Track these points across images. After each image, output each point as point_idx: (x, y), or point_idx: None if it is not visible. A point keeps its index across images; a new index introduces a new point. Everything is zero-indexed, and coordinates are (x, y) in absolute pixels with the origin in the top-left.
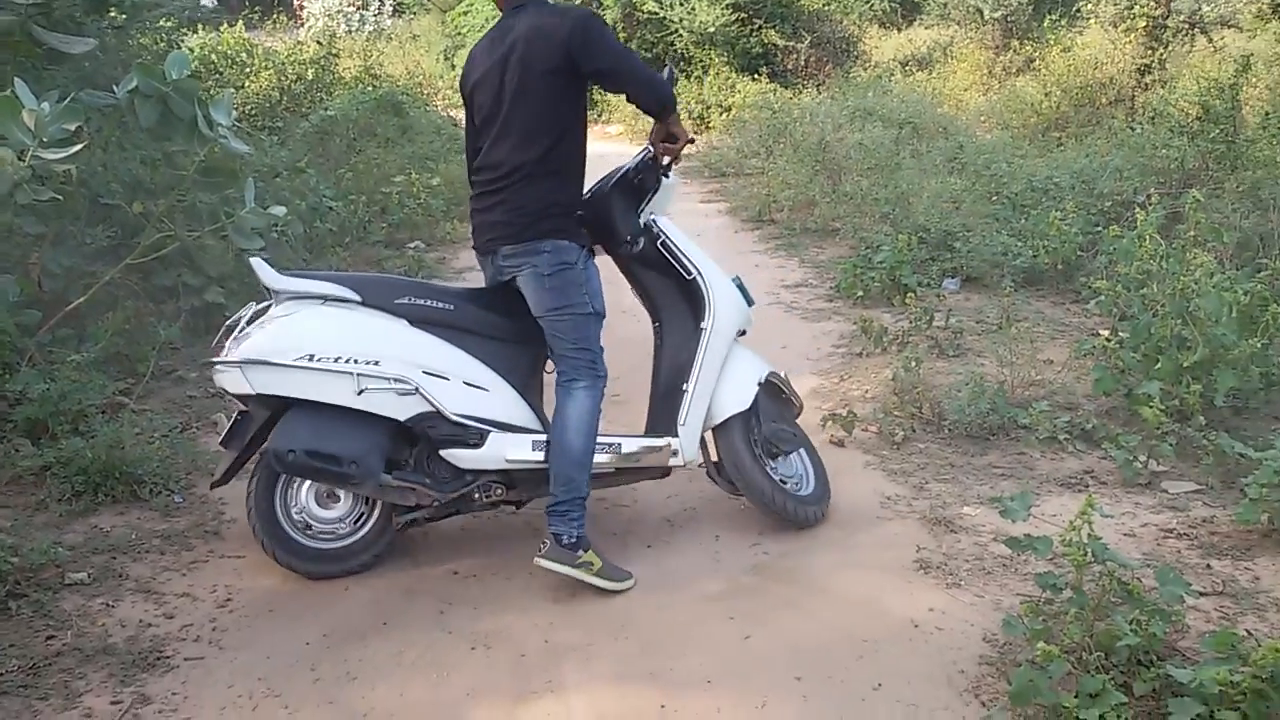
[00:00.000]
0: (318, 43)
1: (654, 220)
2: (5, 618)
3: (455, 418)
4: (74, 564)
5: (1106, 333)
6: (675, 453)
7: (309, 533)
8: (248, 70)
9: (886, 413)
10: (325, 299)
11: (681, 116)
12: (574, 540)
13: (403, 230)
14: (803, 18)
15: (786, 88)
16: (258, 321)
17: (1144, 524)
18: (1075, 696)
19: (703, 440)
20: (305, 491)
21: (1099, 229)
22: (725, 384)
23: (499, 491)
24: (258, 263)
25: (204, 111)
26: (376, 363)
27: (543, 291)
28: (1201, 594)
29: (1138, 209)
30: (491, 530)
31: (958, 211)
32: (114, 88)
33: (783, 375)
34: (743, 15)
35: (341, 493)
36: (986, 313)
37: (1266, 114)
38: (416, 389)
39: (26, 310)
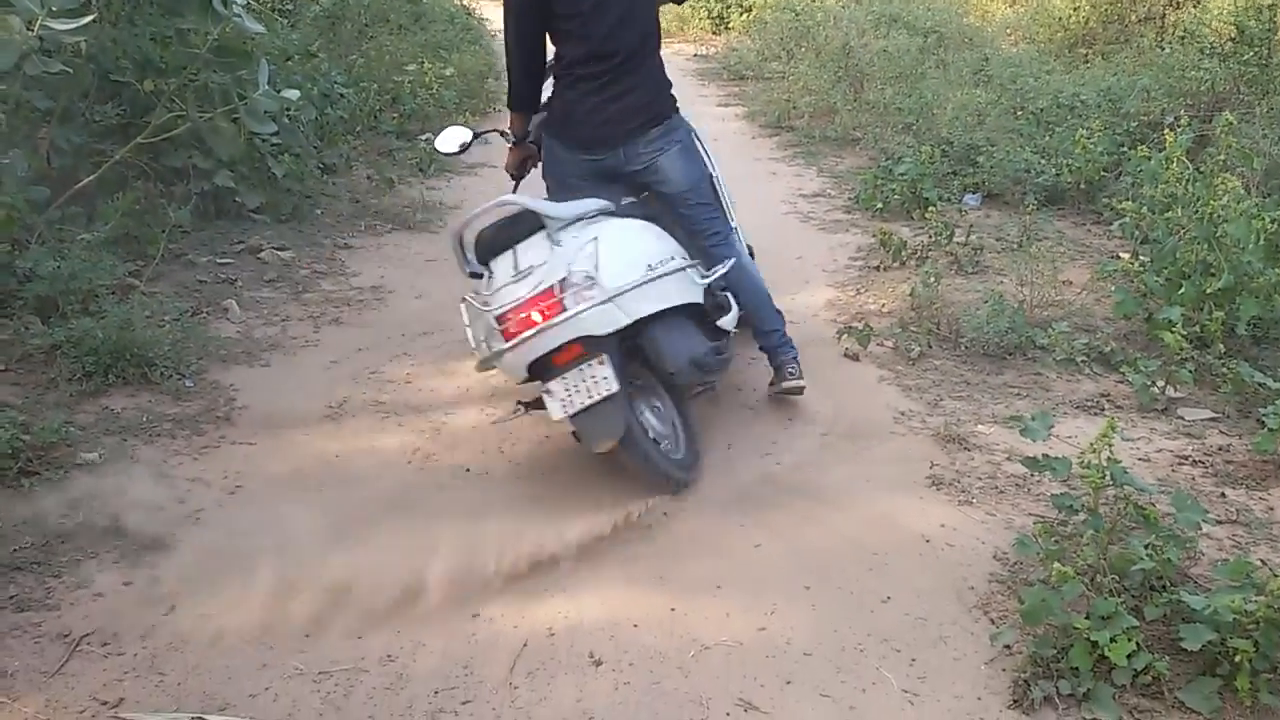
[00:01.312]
0: None
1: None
2: (19, 493)
3: (716, 288)
4: (85, 444)
5: (1128, 255)
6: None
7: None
8: None
9: (903, 328)
10: (596, 214)
11: (700, 15)
12: (792, 361)
13: (414, 121)
14: None
15: None
16: (554, 261)
17: (1159, 450)
18: (1087, 618)
19: None
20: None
21: (1124, 150)
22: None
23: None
24: (527, 199)
25: None
26: (672, 258)
27: (690, 164)
28: (1216, 522)
29: (1166, 130)
30: (501, 435)
31: (981, 125)
32: None
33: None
34: None
35: (660, 404)
36: (1007, 230)
37: None
38: (688, 270)
39: (35, 186)
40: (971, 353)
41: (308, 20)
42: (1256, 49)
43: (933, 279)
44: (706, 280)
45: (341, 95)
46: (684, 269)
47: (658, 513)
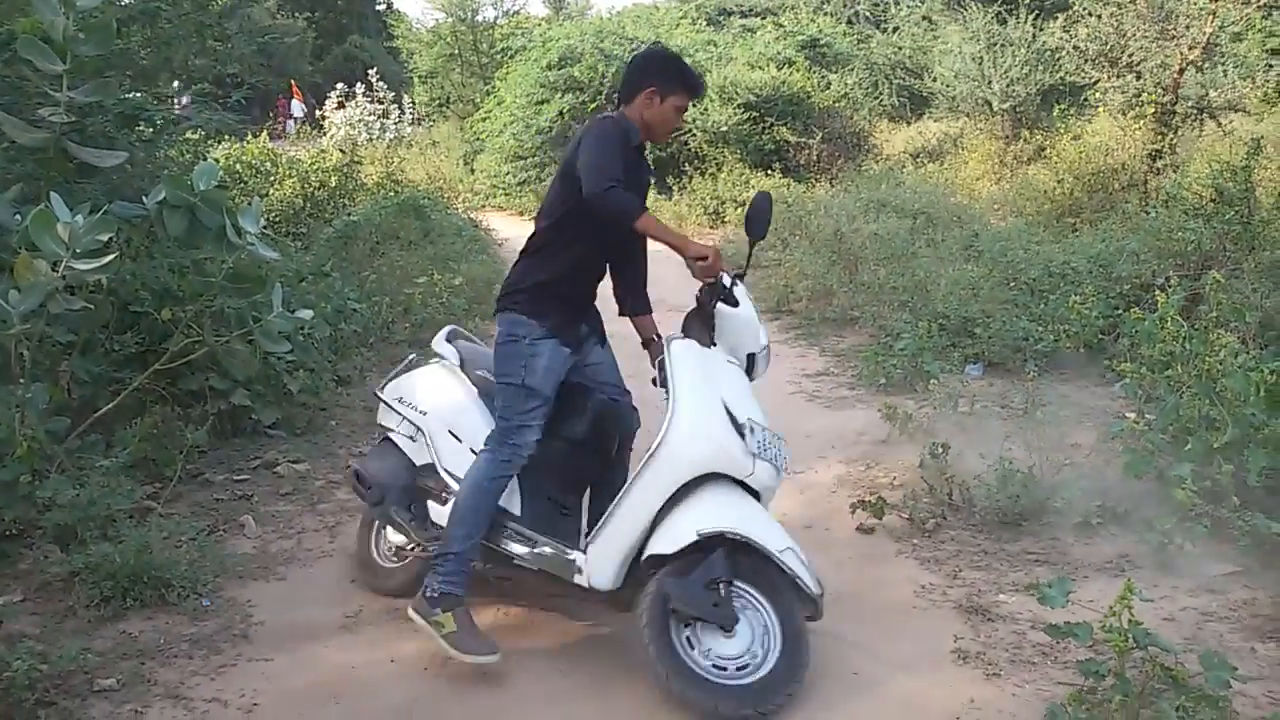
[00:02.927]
0: (340, 151)
1: (667, 340)
2: None
3: (443, 472)
4: (102, 670)
5: (1133, 415)
6: (580, 570)
7: (387, 556)
8: (271, 179)
9: (915, 499)
10: (444, 359)
11: (697, 212)
12: (435, 595)
13: (426, 329)
14: (813, 114)
15: (800, 182)
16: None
17: (1183, 608)
18: None
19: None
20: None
21: (1119, 312)
22: (668, 520)
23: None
24: (442, 331)
25: (232, 220)
26: (425, 413)
27: (496, 359)
28: (1248, 679)
29: (1157, 291)
30: (517, 633)
31: (976, 298)
32: (143, 199)
33: (790, 555)
34: (754, 114)
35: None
36: (1011, 397)
37: None
38: (426, 440)
39: (56, 417)
40: (986, 521)
41: (320, 242)
42: (1237, 208)
43: (940, 450)
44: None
45: (354, 310)
46: (417, 430)
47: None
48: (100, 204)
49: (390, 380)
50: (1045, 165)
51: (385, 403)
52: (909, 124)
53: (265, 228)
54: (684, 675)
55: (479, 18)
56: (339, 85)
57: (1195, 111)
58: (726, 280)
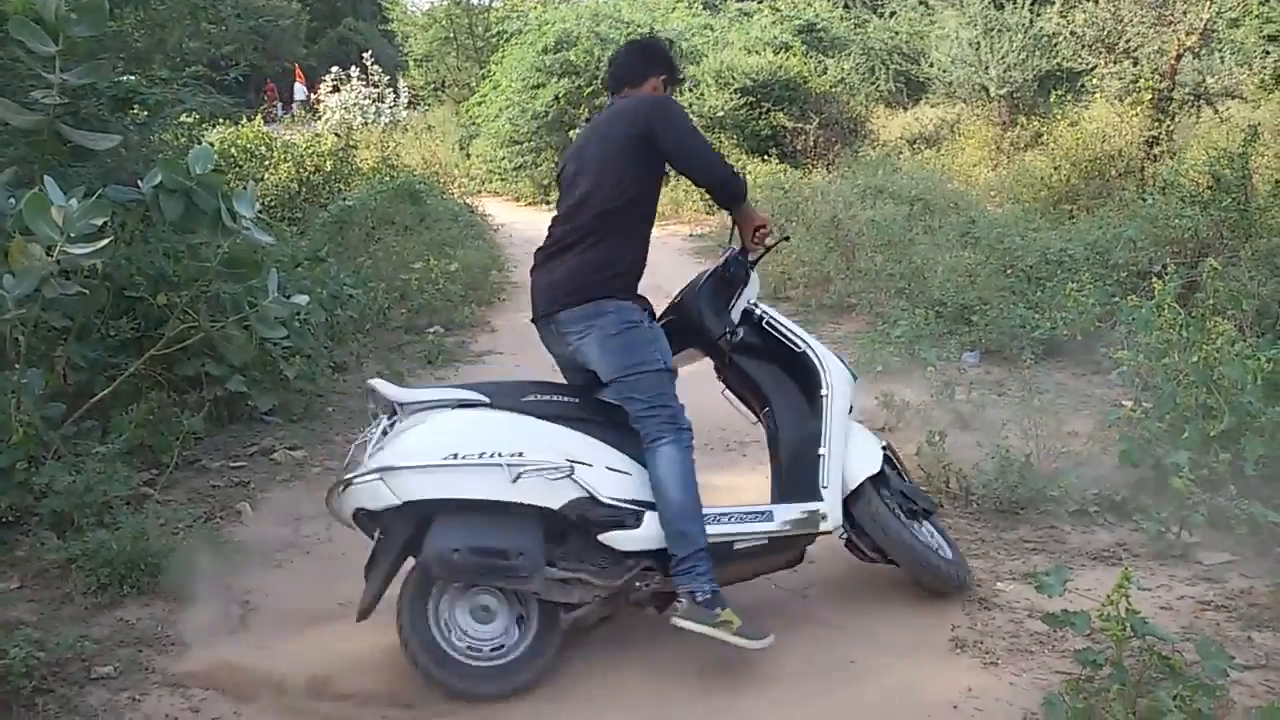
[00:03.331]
0: (335, 135)
1: (754, 304)
2: (32, 714)
3: (609, 501)
4: (100, 658)
5: (1130, 403)
6: (824, 516)
7: (468, 652)
8: (267, 163)
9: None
10: (455, 404)
11: (694, 198)
12: (708, 596)
13: (422, 315)
14: (810, 100)
15: (796, 168)
16: (387, 436)
17: (1180, 596)
18: None
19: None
20: (460, 608)
21: (1116, 299)
22: (852, 451)
23: (656, 578)
24: (379, 382)
25: (227, 204)
26: (520, 454)
27: (611, 352)
28: (1245, 667)
29: (1154, 279)
30: None
31: (973, 285)
32: (138, 183)
33: (895, 450)
34: (751, 99)
35: (497, 606)
36: (1008, 385)
37: (1277, 181)
38: (569, 474)
39: (52, 403)
40: (984, 509)
41: (316, 227)
42: (1234, 195)
43: (937, 438)
44: (523, 474)
45: (350, 296)
46: (502, 466)
47: (687, 687)
48: (94, 188)
49: (360, 456)
50: (1042, 152)
51: (428, 466)
52: (906, 110)
53: (260, 212)
54: (933, 554)
55: (474, 1)
56: (334, 69)
57: (1192, 98)
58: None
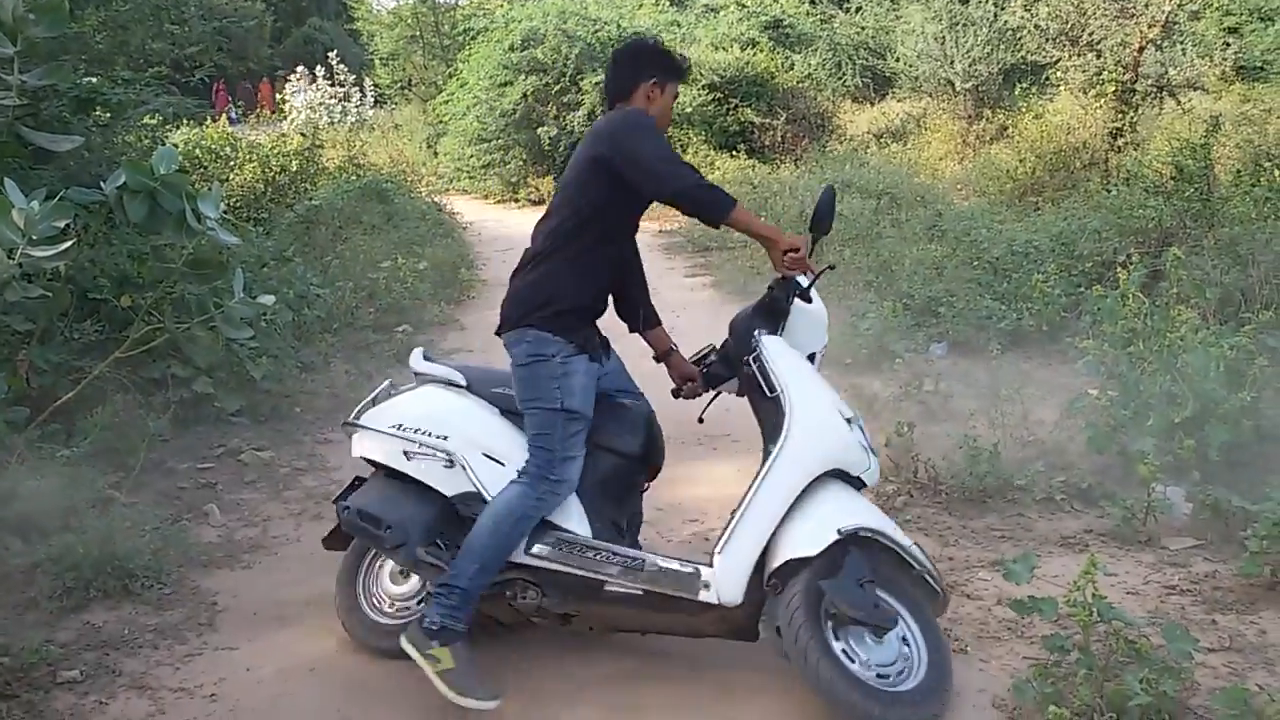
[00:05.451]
0: (301, 135)
1: (758, 336)
2: None
3: (464, 504)
4: (66, 662)
5: (1096, 391)
6: (706, 585)
7: (384, 610)
8: (232, 164)
9: (882, 478)
10: (445, 383)
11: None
12: (435, 628)
13: (391, 314)
14: (778, 95)
15: (765, 163)
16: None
17: (1146, 581)
18: None
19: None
20: (382, 568)
21: (1081, 290)
22: (795, 523)
23: (531, 595)
24: (417, 352)
25: (192, 205)
26: (445, 438)
27: (517, 381)
28: (1209, 650)
29: (1119, 269)
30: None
31: (940, 278)
32: (101, 184)
33: (917, 550)
34: (718, 95)
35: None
36: (975, 376)
37: (1238, 171)
38: (463, 466)
39: (15, 407)
40: (952, 499)
41: (282, 227)
42: (1196, 185)
43: (906, 429)
44: (419, 459)
45: (318, 295)
46: (433, 452)
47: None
48: (56, 189)
49: (368, 408)
50: (1007, 144)
51: (376, 430)
52: (873, 104)
53: (226, 213)
54: (851, 684)
55: None
56: (299, 68)
57: (1155, 90)
58: (806, 279)
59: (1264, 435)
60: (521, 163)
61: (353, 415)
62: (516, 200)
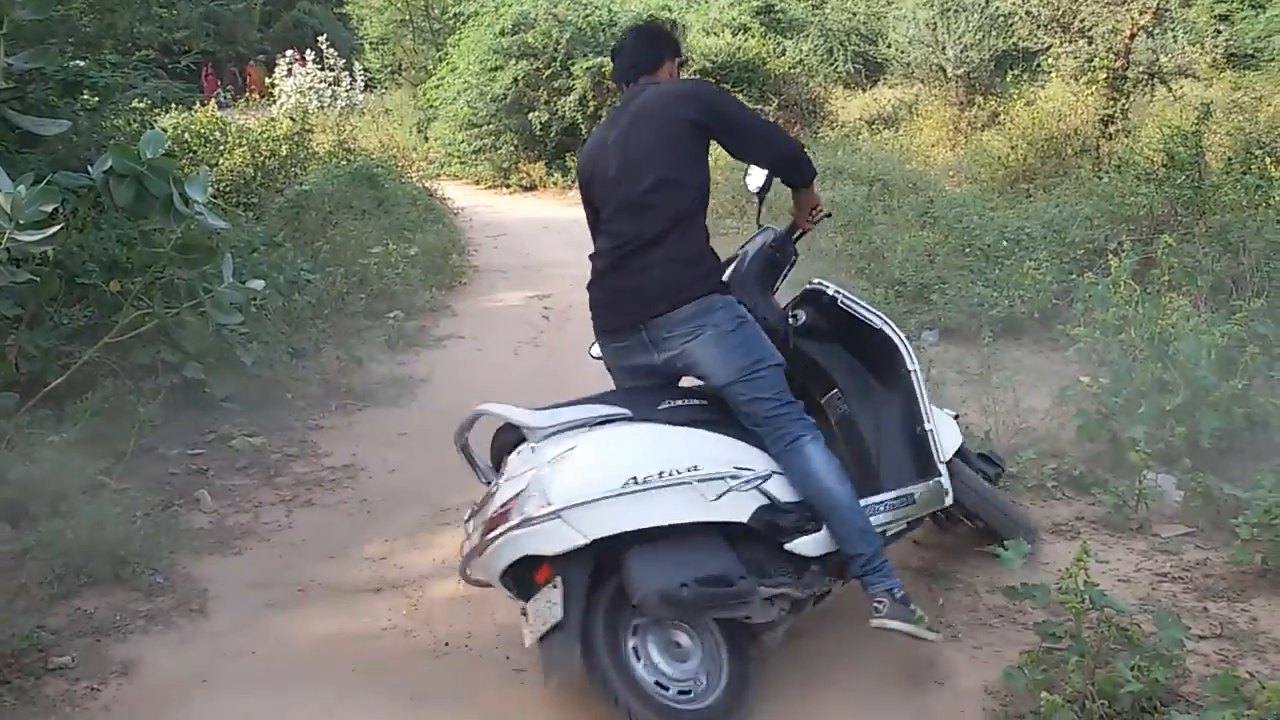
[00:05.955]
0: (290, 119)
1: (823, 284)
2: None
3: (788, 505)
4: (57, 648)
5: (1087, 379)
6: (947, 491)
7: (669, 694)
8: (221, 148)
9: None
10: (598, 422)
11: None
12: (904, 593)
13: (382, 299)
14: (769, 81)
15: None
16: (527, 472)
17: (1137, 568)
18: None
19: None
20: (653, 646)
21: (1073, 277)
22: (940, 424)
23: (839, 581)
24: (504, 408)
25: (179, 189)
26: (695, 468)
27: (730, 350)
28: (1201, 637)
29: (1110, 256)
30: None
31: (932, 264)
32: (89, 168)
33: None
34: (710, 80)
35: (688, 642)
36: (966, 362)
37: (1229, 159)
38: (759, 484)
39: (4, 393)
40: None
41: (272, 212)
42: (1188, 172)
43: None
44: (730, 489)
45: (308, 281)
46: (691, 483)
47: None
48: (44, 174)
49: (530, 498)
50: (999, 131)
51: (619, 495)
52: (864, 90)
53: (215, 197)
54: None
55: None
56: (289, 52)
57: (1146, 77)
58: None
59: (1255, 422)
60: (512, 148)
61: (497, 522)
62: (508, 186)
